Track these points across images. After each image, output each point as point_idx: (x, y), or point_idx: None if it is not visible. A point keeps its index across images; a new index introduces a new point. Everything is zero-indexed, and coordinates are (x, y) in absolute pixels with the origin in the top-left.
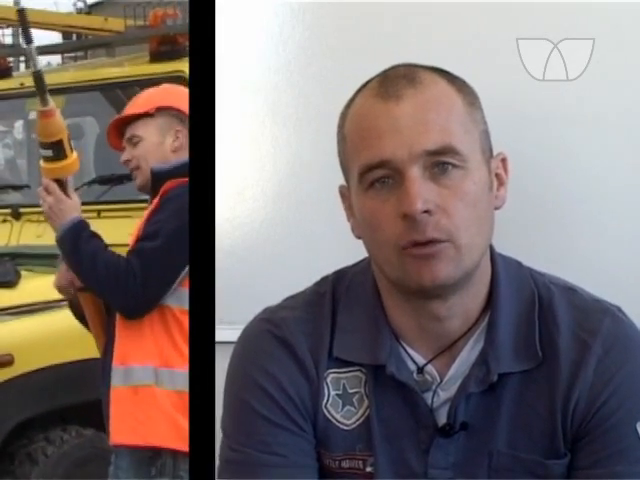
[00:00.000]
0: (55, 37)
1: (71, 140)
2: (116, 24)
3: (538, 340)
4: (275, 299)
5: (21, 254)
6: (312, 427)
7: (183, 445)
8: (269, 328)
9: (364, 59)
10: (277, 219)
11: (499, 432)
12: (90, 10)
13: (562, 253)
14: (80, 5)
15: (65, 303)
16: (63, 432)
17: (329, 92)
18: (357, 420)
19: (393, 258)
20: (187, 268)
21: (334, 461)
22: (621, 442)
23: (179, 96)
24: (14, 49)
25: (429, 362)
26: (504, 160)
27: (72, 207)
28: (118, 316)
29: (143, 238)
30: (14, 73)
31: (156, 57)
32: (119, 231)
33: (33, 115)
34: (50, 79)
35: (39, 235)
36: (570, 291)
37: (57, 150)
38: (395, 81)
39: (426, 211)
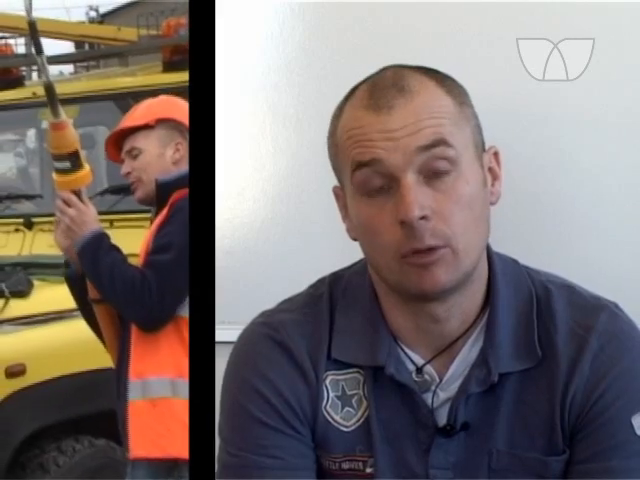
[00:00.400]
0: (67, 46)
1: (82, 150)
2: (129, 33)
3: (537, 339)
4: (275, 299)
5: (33, 264)
6: (311, 430)
7: None
8: (267, 331)
9: (364, 59)
10: (277, 219)
11: (498, 431)
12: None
13: (561, 253)
14: (93, 14)
15: (78, 313)
16: (75, 442)
17: (329, 92)
18: (356, 421)
19: (393, 264)
20: None
21: (334, 462)
22: (616, 436)
23: (179, 108)
24: (26, 59)
25: (428, 362)
26: (496, 154)
27: (93, 218)
28: (133, 329)
29: (156, 250)
30: (26, 82)
31: (169, 67)
32: (132, 241)
33: (46, 124)
34: (63, 89)
35: (51, 245)
36: (567, 288)
37: (73, 161)
38: (384, 92)
39: (423, 217)
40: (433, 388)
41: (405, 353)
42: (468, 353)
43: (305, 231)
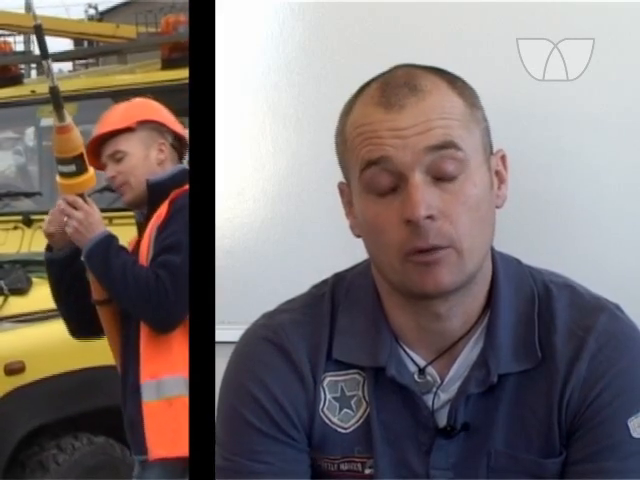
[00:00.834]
0: (66, 44)
1: None
2: (128, 31)
3: (537, 340)
4: (275, 299)
5: (32, 261)
6: (307, 434)
7: None
8: (266, 335)
9: (364, 59)
10: (277, 219)
11: (497, 432)
12: (101, 17)
13: (561, 253)
14: (92, 12)
15: None
16: (74, 440)
17: (329, 92)
18: (355, 423)
19: (395, 263)
20: None
21: (332, 464)
22: (612, 437)
23: (156, 109)
24: (25, 56)
25: (430, 363)
26: (503, 157)
27: (99, 220)
28: (143, 330)
29: (165, 250)
30: (25, 80)
31: (168, 64)
32: (131, 238)
33: (44, 122)
34: (61, 86)
35: None
36: (569, 288)
37: (79, 164)
38: (396, 90)
39: (429, 217)
40: (434, 389)
41: (407, 354)
42: (469, 354)
43: (305, 231)
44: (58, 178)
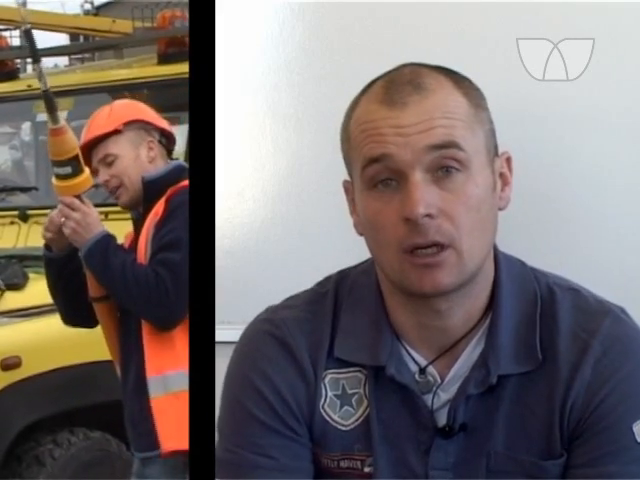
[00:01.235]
0: (62, 39)
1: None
2: (124, 26)
3: (539, 342)
4: (275, 299)
5: (29, 256)
6: (308, 429)
7: None
8: (269, 329)
9: (364, 59)
10: (277, 219)
11: (497, 433)
12: (97, 11)
13: (560, 253)
14: (87, 7)
15: None
16: (71, 434)
17: (329, 92)
18: (356, 420)
19: (394, 261)
20: None
21: (332, 461)
22: (616, 442)
23: (140, 109)
24: (21, 51)
25: (431, 363)
26: (509, 159)
27: (97, 219)
28: (145, 328)
29: (163, 248)
30: (21, 75)
31: (164, 59)
32: (127, 233)
33: (40, 117)
34: (57, 81)
35: None
36: (573, 292)
37: (74, 166)
38: (400, 88)
39: (428, 215)
40: (434, 389)
41: (408, 353)
42: (470, 354)
43: (305, 231)
44: (54, 180)
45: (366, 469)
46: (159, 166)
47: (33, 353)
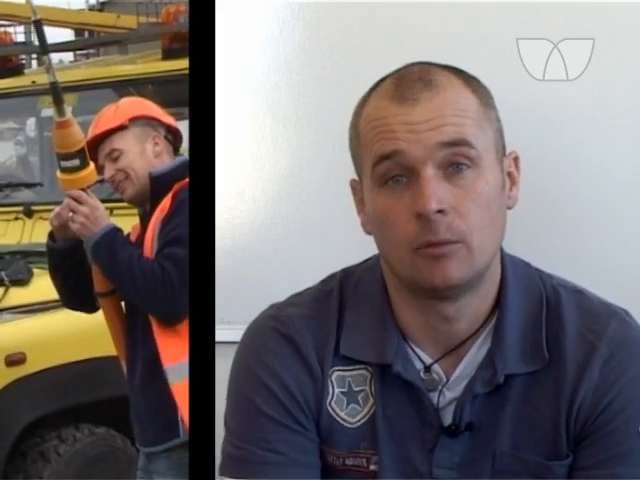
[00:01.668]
0: (68, 34)
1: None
2: (128, 21)
3: (545, 342)
4: (275, 299)
5: (33, 252)
6: (315, 425)
7: None
8: (275, 325)
9: (364, 59)
10: (277, 219)
11: (503, 433)
12: (102, 7)
13: (559, 252)
14: (92, 2)
15: None
16: (75, 430)
17: (329, 92)
18: (362, 418)
19: (405, 257)
20: None
21: (338, 458)
22: (624, 444)
23: (146, 105)
24: (26, 47)
25: (436, 361)
26: (516, 159)
27: (104, 213)
28: (154, 321)
29: (169, 243)
30: (26, 71)
31: (168, 54)
32: (132, 227)
33: (45, 113)
34: (62, 76)
35: None
36: (578, 293)
37: (81, 158)
38: (411, 84)
39: (440, 211)
40: (440, 387)
41: (414, 351)
42: (476, 354)
43: (305, 231)
44: (59, 174)
45: (372, 467)
46: (165, 161)
47: (37, 349)
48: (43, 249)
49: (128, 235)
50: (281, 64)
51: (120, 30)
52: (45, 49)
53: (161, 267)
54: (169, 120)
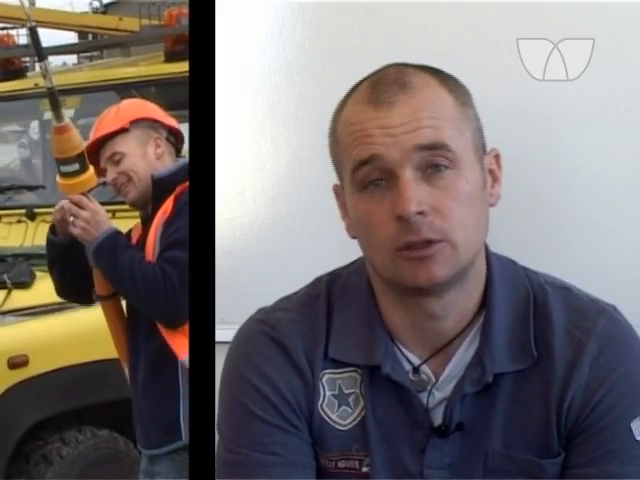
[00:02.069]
0: (71, 37)
1: (85, 140)
2: (131, 23)
3: (533, 340)
4: (275, 299)
5: (36, 255)
6: (308, 427)
7: None
8: (264, 329)
9: (364, 59)
10: (277, 219)
11: (494, 432)
12: (106, 10)
13: (560, 253)
14: (96, 5)
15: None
16: (78, 433)
17: (329, 92)
18: (353, 420)
19: (388, 260)
20: None
21: (330, 461)
22: (615, 441)
23: (147, 107)
24: (28, 49)
25: (424, 362)
26: (497, 156)
27: (105, 217)
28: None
29: (172, 246)
30: (29, 73)
31: (171, 57)
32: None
33: (48, 115)
34: (65, 79)
35: None
36: (565, 290)
37: (82, 162)
38: (386, 87)
39: (420, 212)
40: (429, 388)
41: (402, 352)
42: (464, 353)
43: (305, 231)
44: (59, 179)
45: (364, 469)
46: (167, 163)
47: (40, 351)
48: (45, 252)
49: (129, 232)
50: (281, 64)
51: (122, 32)
52: (41, 55)
53: (162, 270)
54: (170, 122)
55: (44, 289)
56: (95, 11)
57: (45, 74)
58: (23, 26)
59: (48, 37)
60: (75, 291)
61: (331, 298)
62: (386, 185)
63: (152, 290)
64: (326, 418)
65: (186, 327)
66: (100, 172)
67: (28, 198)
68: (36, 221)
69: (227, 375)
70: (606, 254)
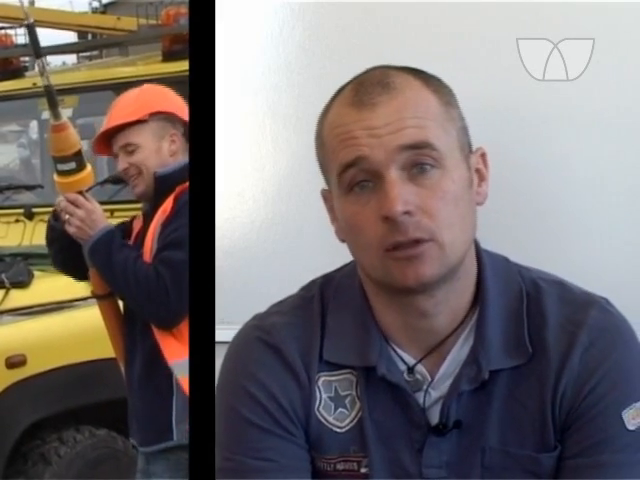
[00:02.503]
0: (71, 37)
1: (83, 140)
2: (128, 23)
3: (527, 335)
4: (275, 299)
5: (34, 254)
6: (304, 432)
7: None
8: (259, 334)
9: (364, 59)
10: (277, 219)
11: (491, 429)
12: (105, 9)
13: (560, 253)
14: (95, 4)
15: (78, 303)
16: (76, 432)
17: (329, 92)
18: (350, 422)
19: (376, 261)
20: None
21: (329, 464)
22: (607, 430)
23: (168, 99)
24: (27, 49)
25: (419, 362)
26: (484, 155)
27: (101, 215)
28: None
29: (167, 246)
30: (27, 73)
31: (169, 56)
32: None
33: (46, 115)
34: (62, 78)
35: None
36: (558, 285)
37: (79, 160)
38: (369, 89)
39: (406, 212)
40: (425, 387)
41: (396, 353)
42: (459, 351)
43: (305, 231)
44: (56, 177)
45: (362, 470)
46: (180, 160)
47: (38, 351)
48: (44, 251)
49: (132, 222)
50: (281, 64)
51: (120, 32)
52: (38, 53)
53: (156, 271)
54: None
55: (42, 289)
56: (94, 11)
57: (42, 72)
58: (21, 26)
59: (48, 37)
60: (70, 267)
61: (325, 301)
62: (372, 186)
63: (144, 290)
64: (323, 421)
65: (179, 329)
66: (111, 154)
67: (26, 198)
68: (34, 221)
69: (223, 382)
70: (606, 254)
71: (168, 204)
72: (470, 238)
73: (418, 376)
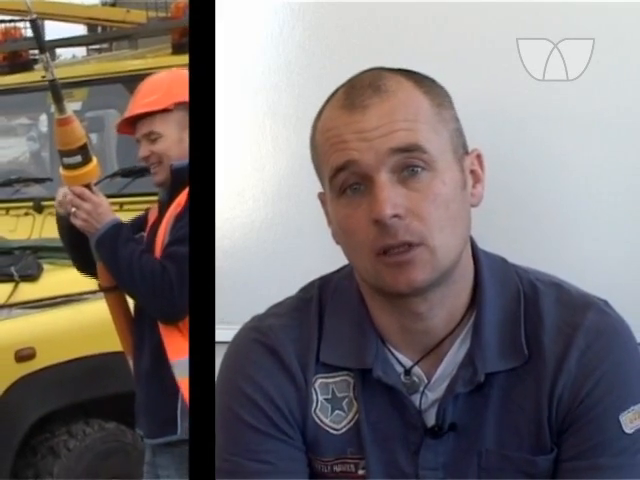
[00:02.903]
0: (81, 30)
1: (91, 133)
2: (138, 16)
3: (524, 338)
4: (275, 299)
5: (43, 247)
6: (301, 434)
7: None
8: (256, 336)
9: (364, 59)
10: (277, 219)
11: (487, 431)
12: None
13: (560, 253)
14: None
15: (87, 296)
16: (85, 425)
17: (329, 92)
18: (347, 424)
19: (368, 264)
20: None
21: (326, 466)
22: (604, 433)
23: None
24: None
25: (416, 364)
26: (479, 156)
27: (108, 208)
28: None
29: (176, 241)
30: (36, 66)
31: (178, 49)
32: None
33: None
34: (71, 71)
35: None
36: (555, 286)
37: (84, 154)
38: (360, 91)
39: (396, 215)
40: (421, 389)
41: (393, 355)
42: (456, 353)
43: (305, 231)
44: (62, 171)
45: (360, 472)
46: None
47: (47, 344)
48: (53, 244)
49: (146, 214)
50: (281, 64)
51: (130, 25)
52: (42, 47)
53: (162, 266)
54: None
55: (51, 282)
56: (104, 3)
57: (47, 66)
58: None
59: (57, 29)
60: (83, 263)
61: (323, 303)
62: (364, 189)
63: (149, 285)
64: (320, 423)
65: (184, 324)
66: (132, 133)
67: (36, 191)
68: (43, 214)
69: (221, 384)
70: (606, 254)
71: (183, 197)
72: (462, 241)
73: (415, 378)
